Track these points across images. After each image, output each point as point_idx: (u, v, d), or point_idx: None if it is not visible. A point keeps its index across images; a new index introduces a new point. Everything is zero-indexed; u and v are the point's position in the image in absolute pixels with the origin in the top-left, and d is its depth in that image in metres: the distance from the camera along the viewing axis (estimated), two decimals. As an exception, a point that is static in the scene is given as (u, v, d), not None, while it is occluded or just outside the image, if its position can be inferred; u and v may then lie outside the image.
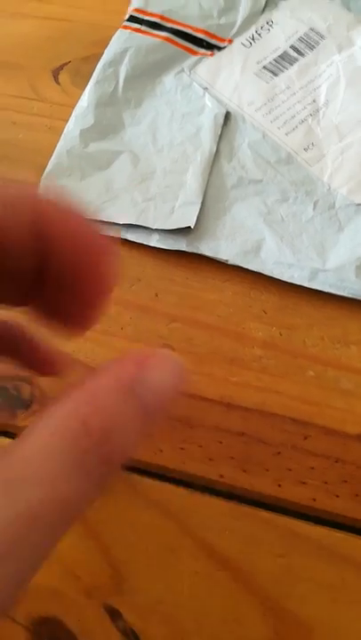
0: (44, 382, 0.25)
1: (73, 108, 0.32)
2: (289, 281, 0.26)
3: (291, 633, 0.20)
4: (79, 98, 0.32)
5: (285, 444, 0.24)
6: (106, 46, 0.33)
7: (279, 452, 0.23)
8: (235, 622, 0.21)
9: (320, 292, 0.26)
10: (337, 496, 0.22)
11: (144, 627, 0.21)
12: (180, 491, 0.23)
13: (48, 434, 0.10)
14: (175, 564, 0.21)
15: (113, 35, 0.34)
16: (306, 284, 0.26)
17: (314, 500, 0.22)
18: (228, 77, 0.32)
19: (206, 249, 0.27)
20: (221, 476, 0.23)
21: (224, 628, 0.21)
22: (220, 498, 0.23)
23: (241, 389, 0.25)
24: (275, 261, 0.27)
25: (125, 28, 0.34)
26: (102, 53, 0.33)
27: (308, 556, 0.22)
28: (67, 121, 0.31)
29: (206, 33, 0.34)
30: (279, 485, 0.23)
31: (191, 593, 0.21)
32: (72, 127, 0.31)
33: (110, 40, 0.34)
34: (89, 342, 0.26)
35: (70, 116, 0.31)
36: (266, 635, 0.20)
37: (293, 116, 0.31)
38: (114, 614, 0.21)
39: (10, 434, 0.24)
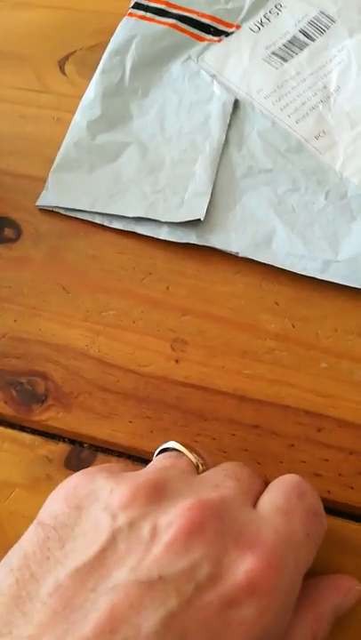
0: (59, 377, 0.25)
1: (80, 98, 0.31)
2: (301, 273, 0.26)
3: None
4: (86, 88, 0.32)
5: (299, 436, 0.24)
6: (112, 35, 0.33)
7: (293, 445, 0.23)
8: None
9: (333, 283, 0.26)
10: (352, 488, 0.22)
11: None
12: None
13: None
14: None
15: (119, 23, 0.33)
16: (318, 276, 0.26)
17: (328, 492, 0.23)
18: (236, 64, 0.32)
19: (217, 241, 0.27)
20: (236, 469, 0.23)
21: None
22: (234, 490, 0.23)
23: (254, 382, 0.25)
24: (286, 253, 0.26)
25: (131, 15, 0.33)
26: (108, 42, 0.33)
27: (323, 548, 0.22)
28: (74, 112, 0.31)
29: (213, 18, 0.33)
30: (293, 477, 0.23)
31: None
32: (79, 119, 0.30)
33: (116, 28, 0.33)
34: (101, 336, 0.26)
35: (77, 107, 0.31)
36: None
37: (304, 103, 0.30)
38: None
39: (26, 428, 0.25)
